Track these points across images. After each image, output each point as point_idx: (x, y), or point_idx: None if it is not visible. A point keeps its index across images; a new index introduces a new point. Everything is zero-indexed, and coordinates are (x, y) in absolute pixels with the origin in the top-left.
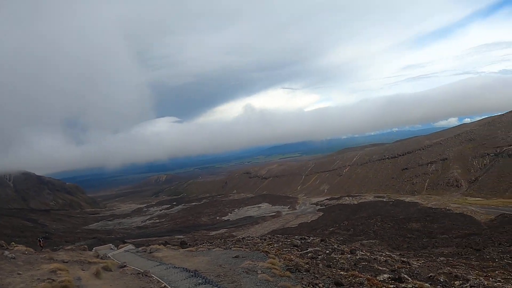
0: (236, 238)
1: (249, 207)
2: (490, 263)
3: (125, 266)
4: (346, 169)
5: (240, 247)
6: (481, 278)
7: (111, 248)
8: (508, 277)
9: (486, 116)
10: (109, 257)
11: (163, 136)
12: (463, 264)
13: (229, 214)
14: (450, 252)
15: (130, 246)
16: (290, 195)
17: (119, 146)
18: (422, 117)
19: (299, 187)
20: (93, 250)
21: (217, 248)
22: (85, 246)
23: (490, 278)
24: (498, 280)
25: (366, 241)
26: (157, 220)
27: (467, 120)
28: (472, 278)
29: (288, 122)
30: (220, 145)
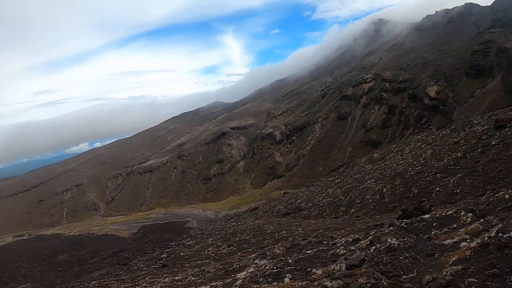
0: None
1: None
2: (139, 273)
3: None
4: None
5: None
6: None
7: None
8: (154, 280)
9: (116, 140)
10: None
11: None
12: (115, 282)
13: None
14: (102, 274)
15: None
16: None
17: None
18: (53, 144)
19: None
20: None
21: None
22: None
23: (137, 286)
24: (144, 286)
25: None
26: None
27: (98, 144)
28: None
29: None
30: None
